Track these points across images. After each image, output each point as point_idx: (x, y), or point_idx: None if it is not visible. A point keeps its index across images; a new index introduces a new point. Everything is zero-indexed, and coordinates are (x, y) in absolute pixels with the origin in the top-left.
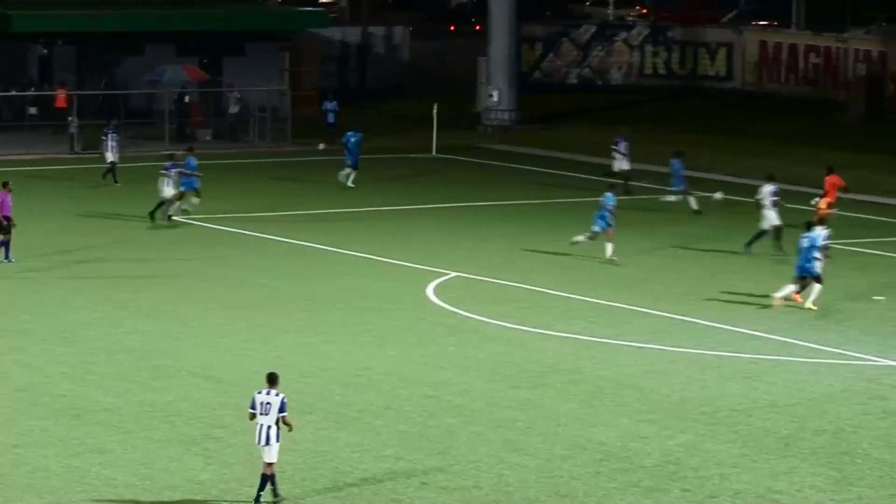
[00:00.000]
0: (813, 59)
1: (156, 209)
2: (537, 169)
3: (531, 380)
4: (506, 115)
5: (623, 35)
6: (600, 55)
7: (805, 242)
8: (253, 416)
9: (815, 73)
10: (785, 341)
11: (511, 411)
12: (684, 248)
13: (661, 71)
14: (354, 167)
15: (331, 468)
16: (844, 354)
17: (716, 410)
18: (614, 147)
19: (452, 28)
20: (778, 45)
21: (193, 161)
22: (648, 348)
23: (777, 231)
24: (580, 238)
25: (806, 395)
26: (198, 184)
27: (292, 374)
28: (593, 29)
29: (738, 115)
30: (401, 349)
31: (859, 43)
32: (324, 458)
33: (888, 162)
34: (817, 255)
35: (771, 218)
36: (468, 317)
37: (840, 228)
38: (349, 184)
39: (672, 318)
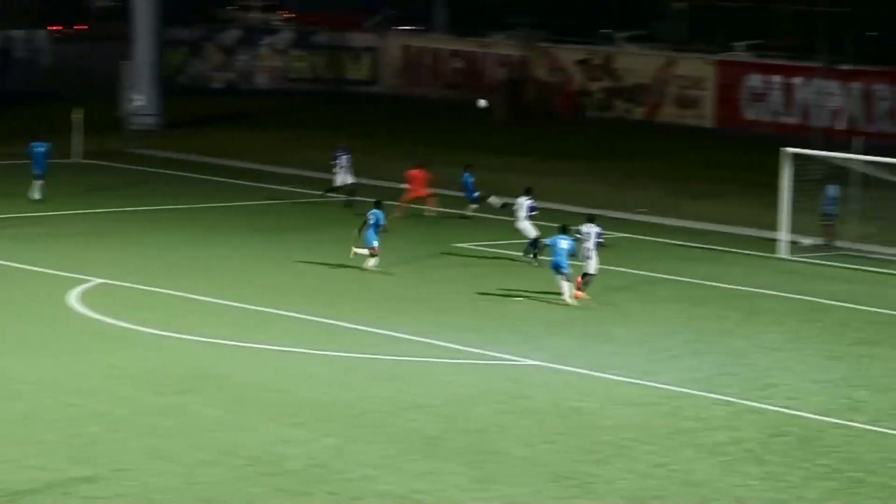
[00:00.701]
0: (456, 63)
1: None
2: (185, 174)
3: (176, 386)
4: (151, 120)
5: (268, 39)
6: (246, 59)
7: (564, 244)
8: None
9: (458, 78)
10: (429, 343)
11: (156, 418)
12: (338, 250)
13: (307, 75)
14: (41, 178)
15: None
16: (487, 355)
17: (361, 413)
18: (334, 161)
19: (86, 28)
20: (421, 50)
21: None
22: (295, 352)
23: (536, 240)
24: (362, 251)
25: (450, 396)
26: None
27: None
28: (239, 33)
29: (384, 119)
30: (43, 357)
31: (500, 48)
32: None
33: (530, 163)
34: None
35: (527, 229)
36: (112, 323)
37: (481, 231)
38: (36, 196)
39: (319, 321)
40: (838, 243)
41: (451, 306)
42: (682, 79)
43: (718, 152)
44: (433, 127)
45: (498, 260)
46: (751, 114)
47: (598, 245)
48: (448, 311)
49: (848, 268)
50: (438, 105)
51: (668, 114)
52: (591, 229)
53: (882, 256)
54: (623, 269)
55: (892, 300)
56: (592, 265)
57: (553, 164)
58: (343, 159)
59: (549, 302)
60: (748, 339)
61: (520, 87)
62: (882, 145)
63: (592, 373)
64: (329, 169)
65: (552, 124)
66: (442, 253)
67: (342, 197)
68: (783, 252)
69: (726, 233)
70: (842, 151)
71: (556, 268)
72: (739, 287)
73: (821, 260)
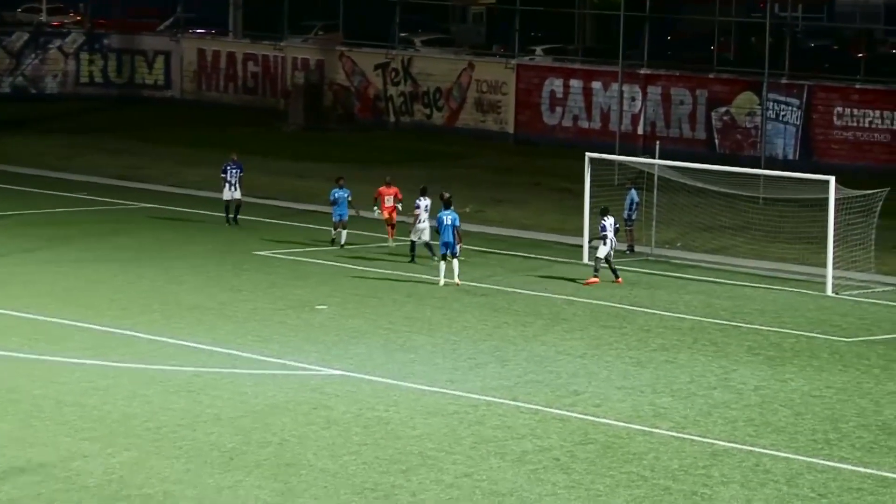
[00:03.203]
0: (252, 67)
1: None
2: None
3: None
4: None
5: (58, 42)
6: (34, 63)
7: (448, 219)
8: None
9: (254, 82)
10: (228, 353)
11: None
12: (132, 259)
13: (99, 79)
14: None
15: None
16: (288, 365)
17: (160, 426)
18: (223, 174)
19: None
20: (216, 54)
21: None
22: (89, 364)
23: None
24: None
25: (250, 408)
26: None
27: None
28: (26, 36)
29: (179, 125)
30: None
31: (297, 51)
32: None
33: (328, 169)
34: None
35: (424, 231)
36: None
37: (282, 238)
38: None
39: (114, 332)
40: (639, 248)
41: (251, 315)
42: (482, 83)
43: (520, 157)
44: (229, 132)
45: (299, 268)
46: (551, 119)
47: (616, 231)
48: (248, 321)
49: (649, 273)
50: (234, 110)
51: (469, 119)
52: (609, 221)
53: (681, 261)
54: (423, 276)
55: (691, 306)
56: (606, 250)
57: (351, 169)
58: (232, 173)
59: (351, 310)
60: (552, 346)
61: (317, 91)
62: (681, 150)
63: (396, 382)
64: (50, 165)
65: (351, 130)
66: (242, 261)
67: (229, 214)
68: (585, 258)
69: (529, 239)
70: (641, 156)
71: (446, 248)
72: (542, 294)
73: (622, 265)
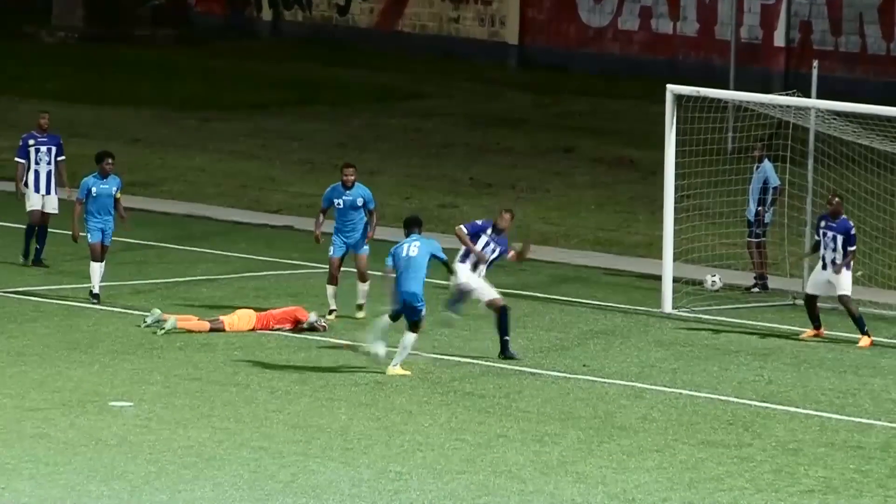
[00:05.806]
0: None
1: None
2: None
3: None
4: None
5: None
6: None
7: (414, 249)
8: None
9: None
10: None
11: None
12: None
13: None
14: None
15: None
16: None
17: None
18: (23, 158)
19: None
20: None
21: None
22: None
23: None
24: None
25: None
26: None
27: None
28: None
29: None
30: None
31: None
32: None
33: (130, 121)
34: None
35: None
36: None
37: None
38: None
39: None
40: (776, 283)
41: None
42: None
43: (531, 95)
44: None
45: (75, 321)
46: (595, 17)
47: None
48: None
49: (797, 333)
50: None
51: (427, 16)
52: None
53: (865, 309)
54: (338, 339)
55: (888, 402)
56: (845, 281)
57: (176, 127)
58: (39, 155)
59: (185, 410)
60: (600, 485)
61: None
62: (862, 80)
63: None
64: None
65: (181, 40)
66: None
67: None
68: (667, 305)
69: (550, 263)
70: (783, 92)
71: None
72: (578, 376)
73: (741, 316)
